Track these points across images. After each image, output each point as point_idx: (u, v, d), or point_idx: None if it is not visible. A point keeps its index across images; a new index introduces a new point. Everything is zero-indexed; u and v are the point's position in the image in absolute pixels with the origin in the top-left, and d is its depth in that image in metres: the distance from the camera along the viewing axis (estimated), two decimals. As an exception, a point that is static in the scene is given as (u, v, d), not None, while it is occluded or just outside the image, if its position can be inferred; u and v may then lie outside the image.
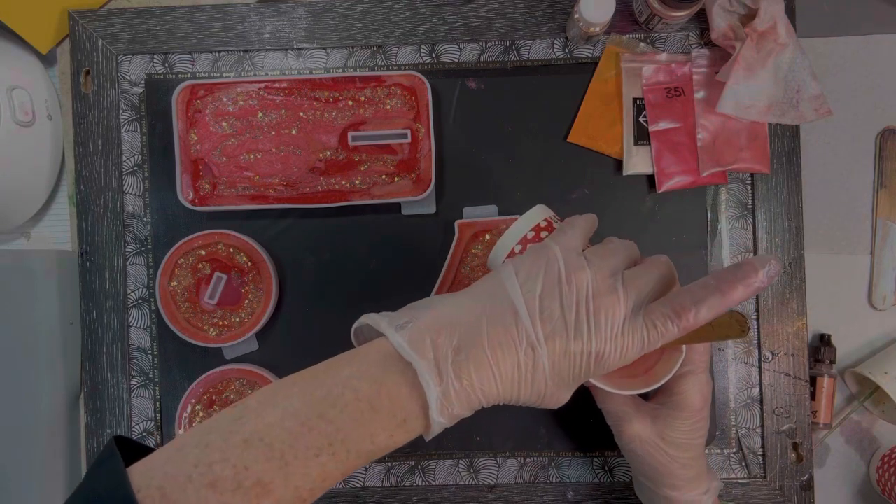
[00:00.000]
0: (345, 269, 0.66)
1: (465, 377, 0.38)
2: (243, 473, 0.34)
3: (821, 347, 0.66)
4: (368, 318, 0.42)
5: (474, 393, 0.38)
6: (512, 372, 0.39)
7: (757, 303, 0.65)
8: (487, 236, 0.64)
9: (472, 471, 0.65)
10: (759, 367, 0.65)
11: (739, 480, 0.65)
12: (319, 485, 0.36)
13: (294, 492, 0.35)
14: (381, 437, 0.38)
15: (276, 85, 0.64)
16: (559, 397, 0.42)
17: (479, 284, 0.43)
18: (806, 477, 0.64)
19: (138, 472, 0.34)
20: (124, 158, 0.66)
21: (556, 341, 0.39)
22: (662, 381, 0.51)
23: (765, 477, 0.65)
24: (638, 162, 0.64)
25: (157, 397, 0.66)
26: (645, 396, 0.56)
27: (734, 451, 0.65)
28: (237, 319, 0.64)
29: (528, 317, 0.39)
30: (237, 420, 0.37)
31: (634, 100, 0.64)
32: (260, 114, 0.64)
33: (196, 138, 0.64)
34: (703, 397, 0.52)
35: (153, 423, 0.66)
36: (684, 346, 0.51)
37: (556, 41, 0.65)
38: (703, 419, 0.52)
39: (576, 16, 0.60)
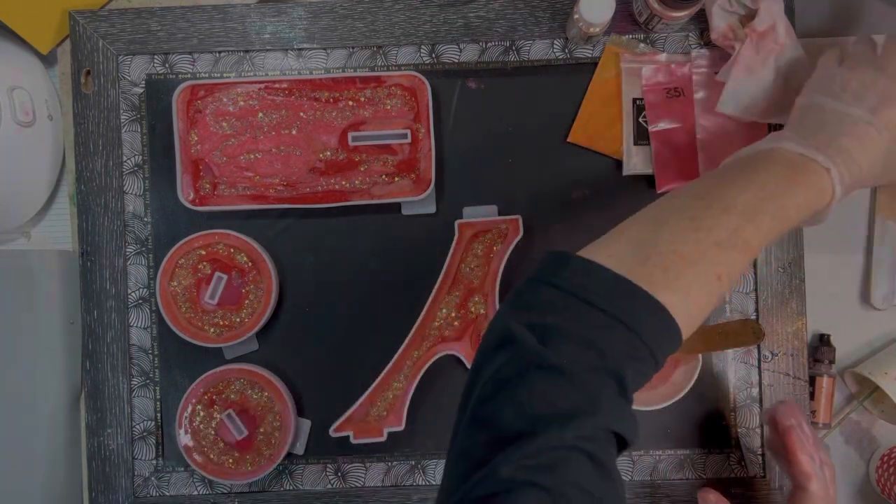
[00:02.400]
0: (345, 269, 0.66)
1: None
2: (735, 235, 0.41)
3: (820, 347, 0.66)
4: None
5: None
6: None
7: (757, 303, 0.65)
8: (487, 236, 0.64)
9: (472, 470, 0.65)
10: (759, 367, 0.65)
11: (740, 480, 0.65)
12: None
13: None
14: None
15: (277, 85, 0.64)
16: None
17: None
18: (805, 477, 0.64)
19: None
20: (125, 158, 0.66)
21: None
22: (682, 394, 0.52)
23: (764, 476, 0.65)
24: (638, 162, 0.64)
25: (158, 397, 0.66)
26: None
27: (734, 450, 0.65)
28: (237, 319, 0.64)
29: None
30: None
31: (634, 100, 0.64)
32: (260, 114, 0.64)
33: (196, 138, 0.64)
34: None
35: (153, 422, 0.66)
36: (700, 355, 0.52)
37: (555, 41, 0.66)
38: None
39: (576, 16, 0.60)
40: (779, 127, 0.65)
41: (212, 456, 0.63)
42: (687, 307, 0.38)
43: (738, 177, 0.44)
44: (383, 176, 0.64)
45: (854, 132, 0.46)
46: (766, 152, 0.45)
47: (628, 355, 0.36)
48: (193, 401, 0.63)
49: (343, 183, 0.64)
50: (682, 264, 0.38)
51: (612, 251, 0.39)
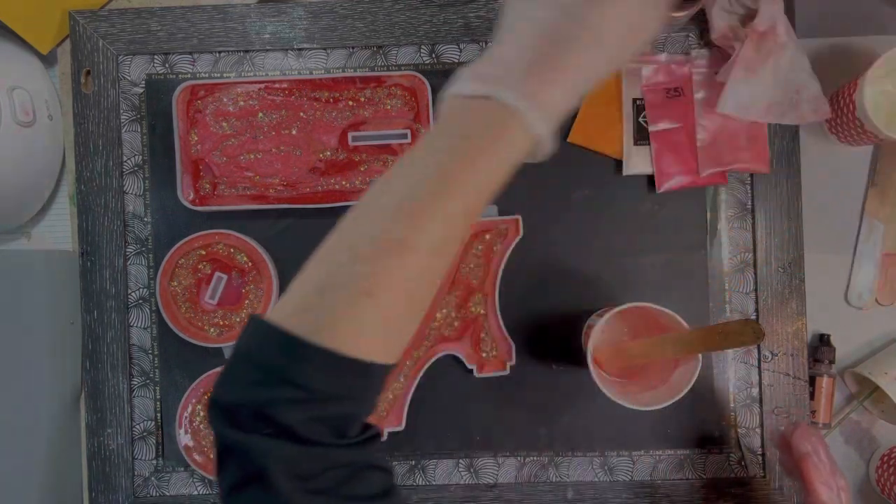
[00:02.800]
0: (345, 269, 0.66)
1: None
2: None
3: (820, 347, 0.66)
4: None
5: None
6: None
7: (756, 303, 0.65)
8: (487, 236, 0.64)
9: (472, 470, 0.65)
10: (759, 367, 0.65)
11: (740, 480, 0.65)
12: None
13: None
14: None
15: (277, 85, 0.64)
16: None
17: None
18: (805, 477, 0.64)
19: None
20: (125, 158, 0.66)
21: None
22: (682, 394, 0.55)
23: (764, 476, 0.65)
24: (638, 162, 0.64)
25: (158, 397, 0.66)
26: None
27: (734, 450, 0.65)
28: (237, 319, 0.64)
29: None
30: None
31: (634, 100, 0.64)
32: (260, 114, 0.64)
33: (196, 138, 0.64)
34: None
35: (153, 422, 0.66)
36: (700, 355, 0.54)
37: (555, 41, 0.65)
38: None
39: (576, 16, 0.60)
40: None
41: (212, 456, 0.63)
42: (365, 334, 0.34)
43: (396, 165, 0.37)
44: (383, 176, 0.64)
45: (550, 37, 0.35)
46: (447, 105, 0.37)
47: (300, 406, 0.33)
48: (193, 401, 0.63)
49: (343, 183, 0.64)
50: (335, 293, 0.34)
51: (285, 300, 0.36)
